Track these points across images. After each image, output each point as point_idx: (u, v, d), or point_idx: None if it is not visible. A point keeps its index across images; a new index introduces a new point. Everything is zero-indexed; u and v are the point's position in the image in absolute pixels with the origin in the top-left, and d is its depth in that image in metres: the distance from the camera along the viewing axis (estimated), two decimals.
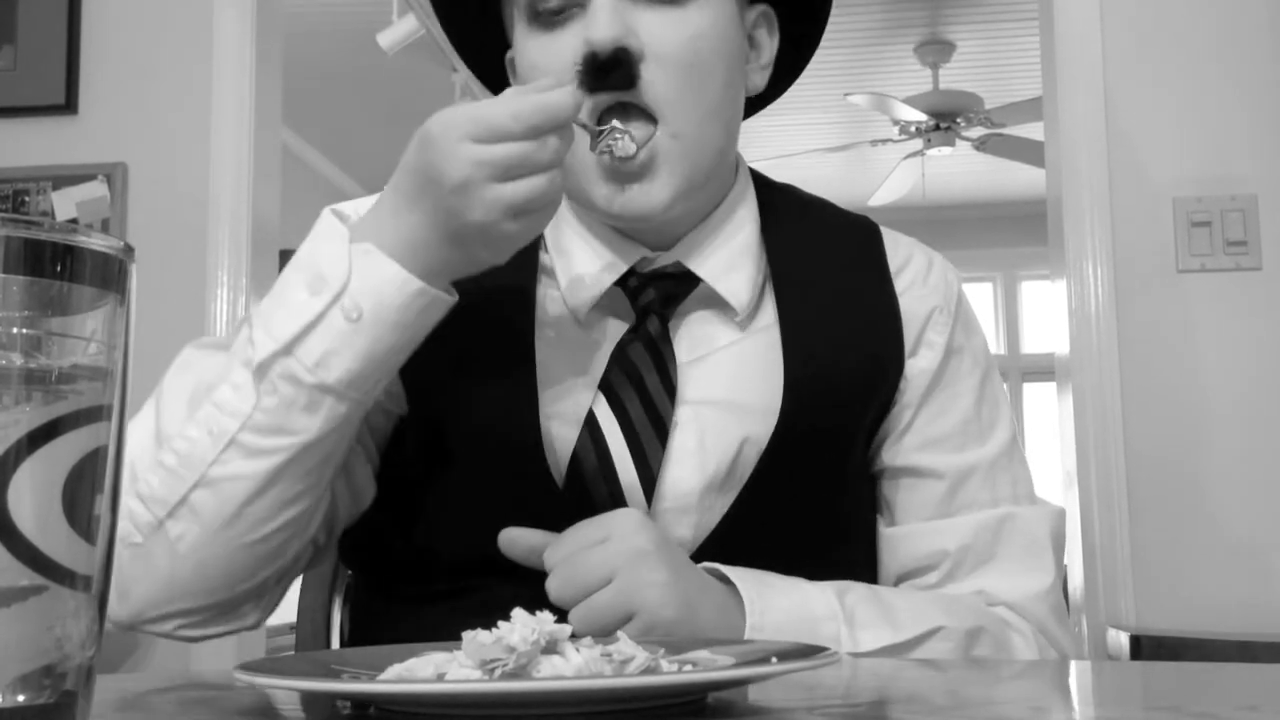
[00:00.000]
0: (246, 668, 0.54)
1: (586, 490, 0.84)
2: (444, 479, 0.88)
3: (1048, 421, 4.63)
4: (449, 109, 0.76)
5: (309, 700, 0.60)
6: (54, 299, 0.41)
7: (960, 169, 5.90)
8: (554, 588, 0.77)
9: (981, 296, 7.02)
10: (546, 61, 0.87)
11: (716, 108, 0.88)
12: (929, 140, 4.98)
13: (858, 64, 4.84)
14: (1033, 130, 4.28)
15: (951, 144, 5.00)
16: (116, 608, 0.80)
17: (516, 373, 0.86)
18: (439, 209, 0.76)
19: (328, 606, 1.14)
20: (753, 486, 0.86)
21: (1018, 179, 5.97)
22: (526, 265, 0.90)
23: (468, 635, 0.54)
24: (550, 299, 0.92)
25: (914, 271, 0.97)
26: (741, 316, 0.91)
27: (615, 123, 0.84)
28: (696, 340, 0.91)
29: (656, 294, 0.90)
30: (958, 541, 0.90)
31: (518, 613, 0.55)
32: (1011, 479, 0.94)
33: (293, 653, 1.22)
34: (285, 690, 0.60)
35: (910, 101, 4.71)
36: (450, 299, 0.80)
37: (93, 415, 0.42)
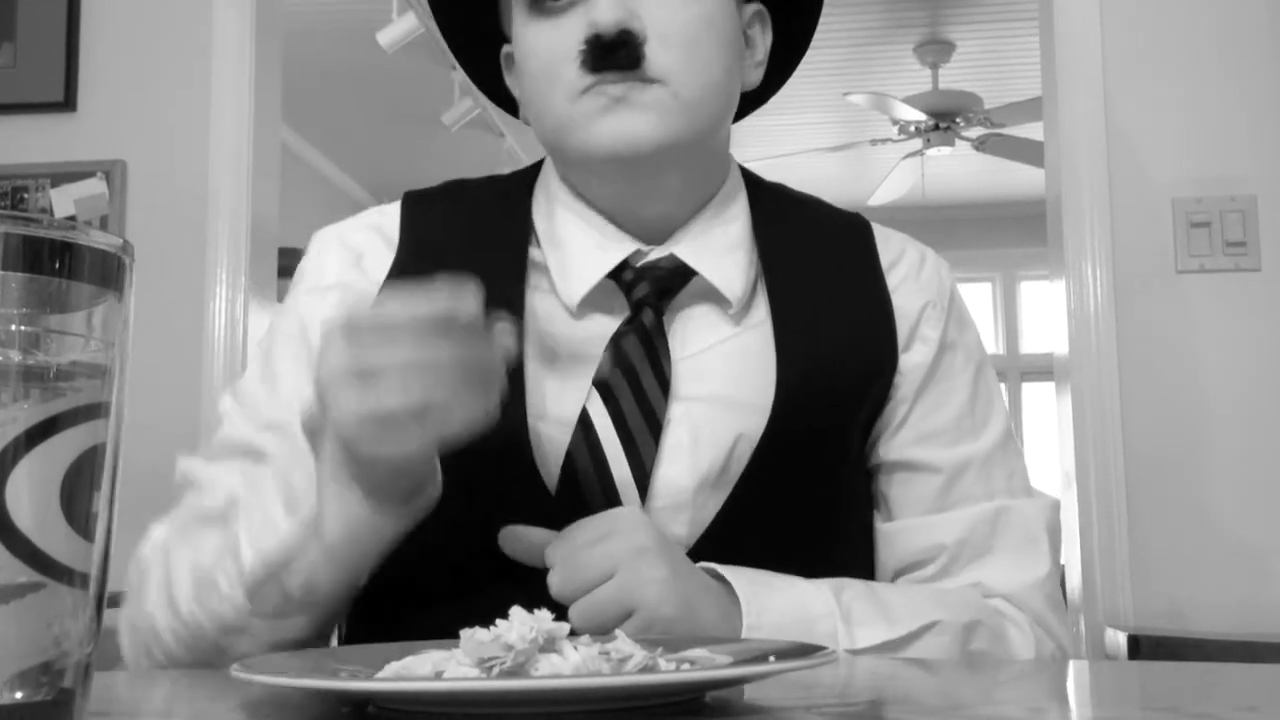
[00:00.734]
0: (245, 665, 0.54)
1: (580, 488, 0.84)
2: (444, 475, 0.88)
3: (1047, 422, 4.64)
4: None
5: (307, 698, 0.60)
6: (53, 296, 0.41)
7: (960, 169, 5.90)
8: (555, 584, 0.77)
9: (980, 296, 7.02)
10: (549, 47, 0.88)
11: (717, 85, 0.89)
12: (928, 140, 4.98)
13: (857, 63, 4.84)
14: (1032, 130, 4.28)
15: (951, 144, 5.00)
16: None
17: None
18: (331, 440, 0.74)
19: None
20: (746, 483, 0.86)
21: (1017, 179, 5.97)
22: (513, 262, 0.91)
23: (465, 633, 0.54)
24: (541, 295, 0.92)
25: (906, 267, 0.97)
26: (735, 309, 0.92)
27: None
28: (690, 336, 0.91)
29: (651, 287, 0.90)
30: (954, 535, 0.90)
31: (515, 611, 0.55)
32: (1007, 472, 0.94)
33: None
34: (283, 688, 0.60)
35: (910, 101, 4.71)
36: (409, 506, 0.78)
37: (91, 412, 0.42)
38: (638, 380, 0.87)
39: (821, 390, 0.89)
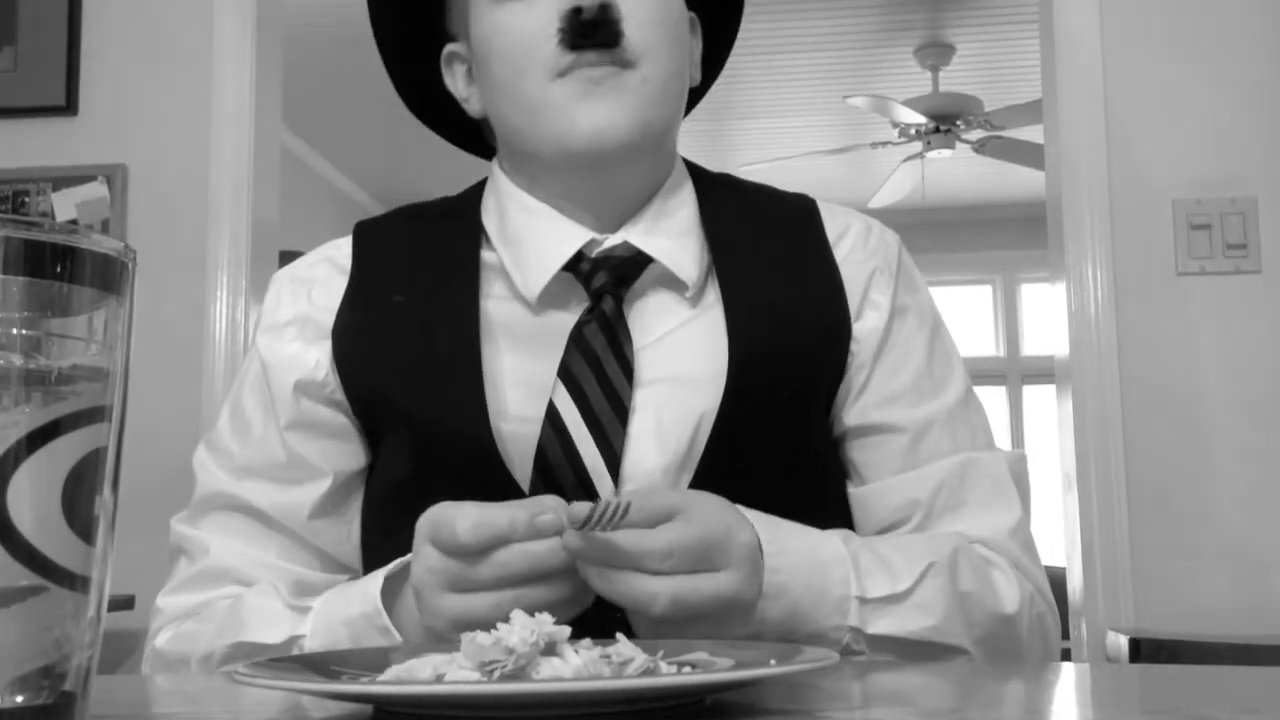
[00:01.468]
0: (247, 668, 0.54)
1: (554, 480, 0.85)
2: (417, 484, 0.88)
3: (1047, 424, 4.63)
4: (445, 505, 0.73)
5: (309, 702, 0.60)
6: (54, 300, 0.41)
7: (960, 171, 5.90)
8: (663, 602, 0.72)
9: (981, 299, 7.02)
10: (523, 26, 0.90)
11: (682, 71, 0.94)
12: (929, 143, 4.98)
13: (857, 66, 4.84)
14: (1032, 133, 4.28)
15: (951, 146, 5.00)
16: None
17: (463, 377, 0.88)
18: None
19: None
20: (710, 459, 0.87)
21: (1017, 181, 5.97)
22: (466, 268, 0.93)
23: (466, 637, 0.54)
24: (496, 296, 0.93)
25: (853, 238, 0.99)
26: (691, 293, 0.93)
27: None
28: (650, 321, 0.93)
29: (609, 276, 0.92)
30: (926, 490, 0.92)
31: (516, 614, 0.55)
32: (970, 428, 0.96)
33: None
34: (285, 691, 0.60)
35: (910, 104, 4.71)
36: None
37: (92, 416, 0.42)
38: (601, 368, 0.88)
39: (774, 363, 0.90)
